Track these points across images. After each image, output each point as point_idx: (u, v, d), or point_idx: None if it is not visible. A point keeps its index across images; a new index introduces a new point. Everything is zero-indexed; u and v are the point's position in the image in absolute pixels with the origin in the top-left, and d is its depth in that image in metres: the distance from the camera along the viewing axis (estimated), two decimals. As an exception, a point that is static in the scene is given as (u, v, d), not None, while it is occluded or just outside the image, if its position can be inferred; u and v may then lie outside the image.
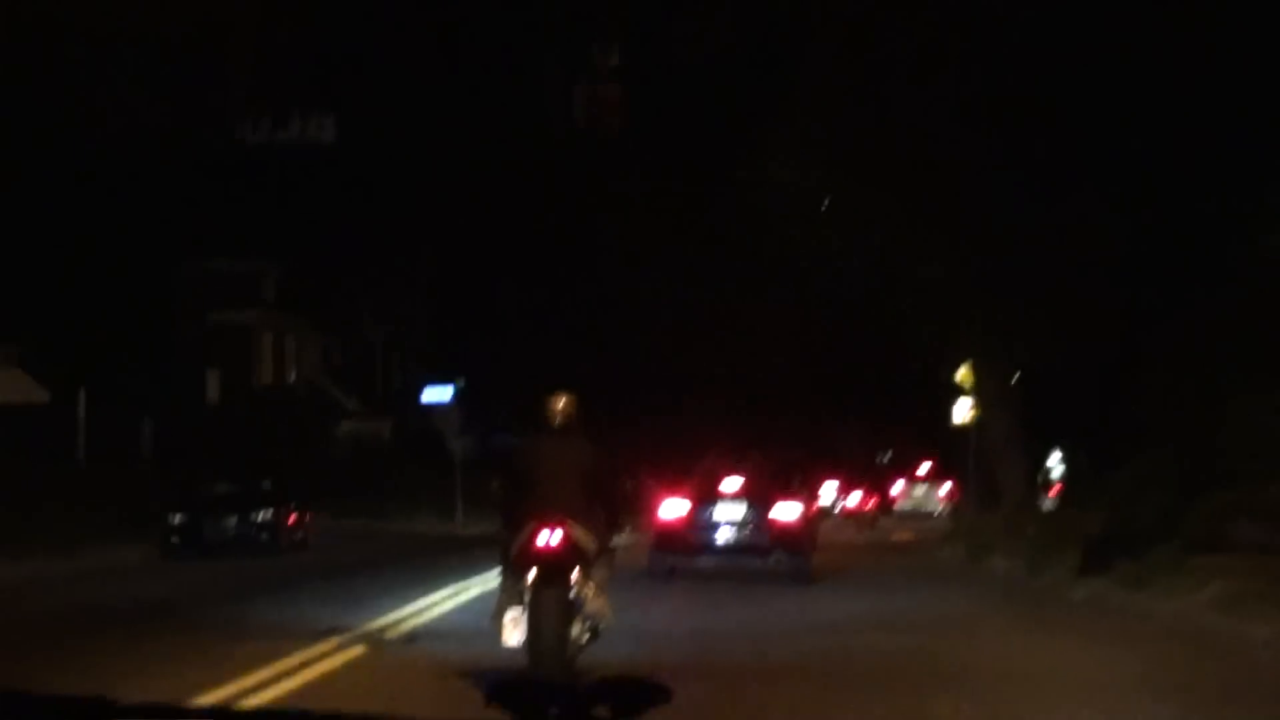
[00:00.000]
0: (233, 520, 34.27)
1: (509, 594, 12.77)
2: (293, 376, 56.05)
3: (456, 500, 48.76)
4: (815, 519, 29.69)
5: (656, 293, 50.69)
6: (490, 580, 18.31)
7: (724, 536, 26.05)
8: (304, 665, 14.18)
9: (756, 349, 50.66)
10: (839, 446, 73.96)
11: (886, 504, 66.65)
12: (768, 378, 57.70)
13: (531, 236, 57.56)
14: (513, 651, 12.57)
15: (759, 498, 26.21)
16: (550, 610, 12.48)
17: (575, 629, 12.76)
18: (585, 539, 12.74)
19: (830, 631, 17.97)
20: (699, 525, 25.96)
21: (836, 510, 65.17)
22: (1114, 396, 31.53)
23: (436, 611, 19.67)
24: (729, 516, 26.11)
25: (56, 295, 44.80)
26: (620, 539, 16.00)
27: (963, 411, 38.54)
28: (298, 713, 2.64)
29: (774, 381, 58.05)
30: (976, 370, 36.65)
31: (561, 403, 13.22)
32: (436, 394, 50.50)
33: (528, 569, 12.59)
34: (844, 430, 76.32)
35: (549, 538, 12.55)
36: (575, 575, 12.70)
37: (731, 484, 26.61)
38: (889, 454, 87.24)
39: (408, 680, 13.15)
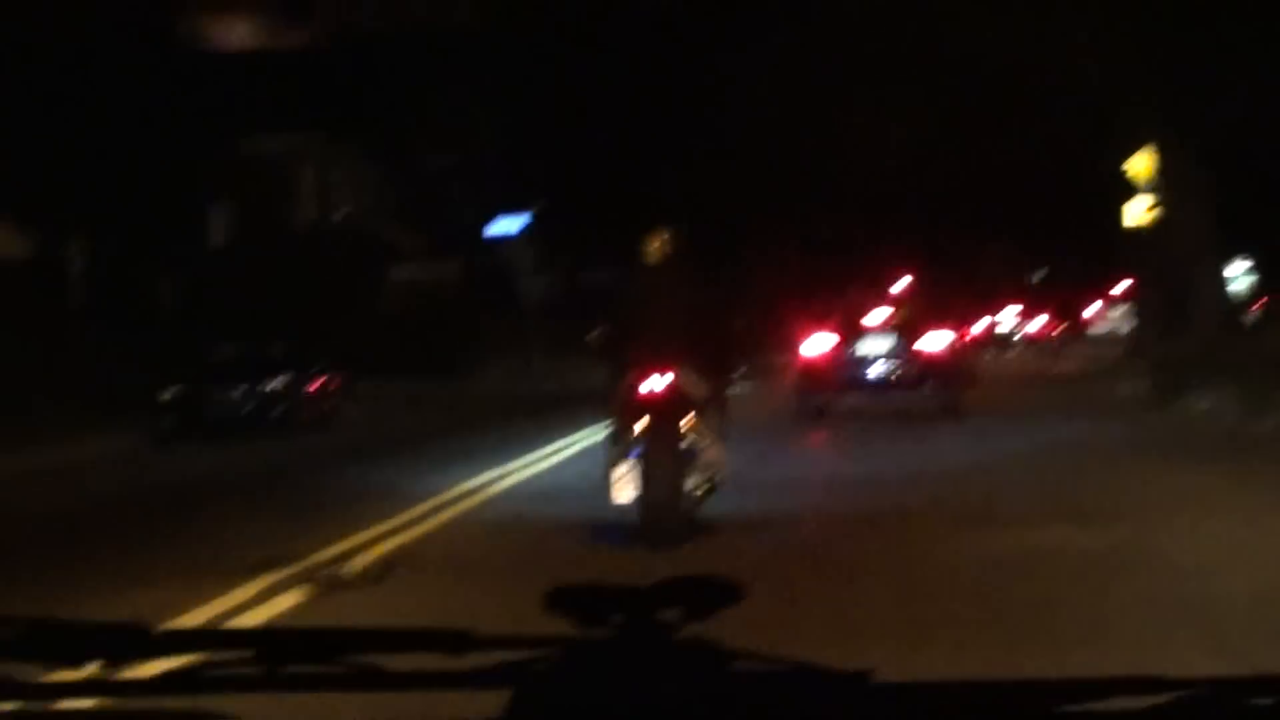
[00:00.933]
0: (239, 393, 28.70)
1: (618, 449, 12.57)
2: (340, 214, 50.31)
3: (531, 352, 43.28)
4: (968, 349, 29.69)
5: (762, 100, 44.43)
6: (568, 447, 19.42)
7: (872, 371, 25.97)
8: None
9: (880, 157, 44.42)
10: (981, 267, 68.04)
11: (1077, 328, 63.21)
12: (892, 192, 51.67)
13: (615, 43, 51.55)
14: (625, 508, 12.43)
15: (906, 329, 26.12)
16: (662, 463, 12.29)
17: (690, 481, 12.55)
18: (694, 384, 12.54)
19: (959, 479, 16.76)
20: (845, 361, 25.83)
21: (1017, 337, 63.06)
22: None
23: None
24: (876, 350, 25.99)
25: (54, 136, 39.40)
26: (736, 385, 15.15)
27: (1138, 211, 31.98)
28: (328, 630, 2.31)
29: (901, 195, 51.92)
30: (1158, 154, 30.17)
31: (662, 237, 12.89)
32: (505, 225, 44.67)
33: (635, 419, 12.41)
34: (986, 249, 69.84)
35: (655, 384, 12.38)
36: (687, 423, 12.49)
37: (877, 316, 26.55)
38: (1042, 272, 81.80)
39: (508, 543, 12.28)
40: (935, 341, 26.19)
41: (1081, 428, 23.23)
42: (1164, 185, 29.99)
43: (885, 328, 26.48)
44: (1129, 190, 32.59)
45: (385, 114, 52.58)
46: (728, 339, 14.29)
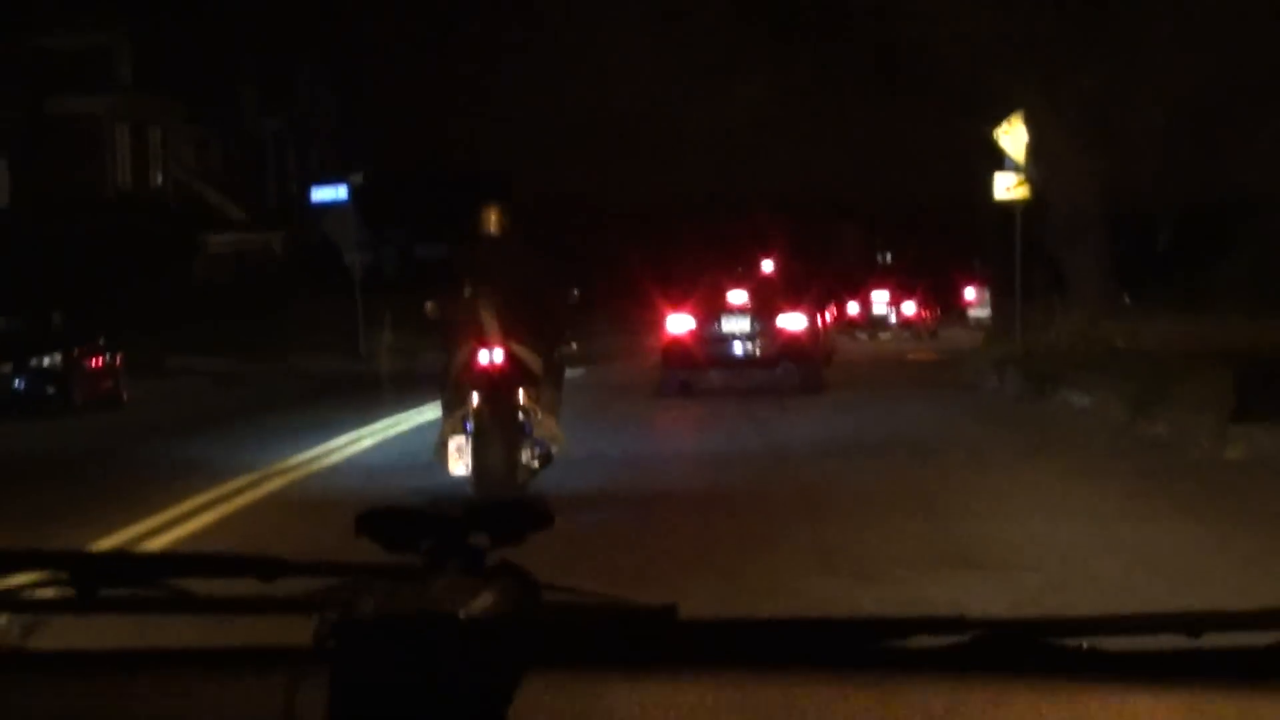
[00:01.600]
0: (4, 370, 25.75)
1: (451, 422, 12.55)
2: (159, 179, 46.88)
3: (357, 328, 40.26)
4: (825, 330, 30.37)
5: (600, 61, 41.51)
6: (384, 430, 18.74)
7: (731, 349, 26.59)
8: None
9: (727, 123, 41.64)
10: (835, 248, 65.98)
11: (953, 310, 62.06)
12: (741, 163, 48.98)
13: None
14: (457, 481, 12.40)
15: (764, 310, 26.71)
16: (496, 436, 12.24)
17: (524, 454, 12.54)
18: (530, 357, 12.54)
19: (797, 461, 16.24)
20: (707, 339, 26.42)
21: (891, 320, 62.05)
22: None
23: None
24: (735, 329, 26.60)
25: None
26: (567, 361, 14.81)
27: (1007, 184, 29.31)
28: (143, 555, 3.37)
29: (750, 167, 49.22)
30: (1033, 121, 27.40)
31: (495, 211, 12.95)
32: (328, 194, 41.61)
33: (469, 393, 12.39)
34: (837, 228, 67.68)
35: (489, 357, 12.37)
36: (522, 396, 12.53)
37: (737, 296, 27.16)
38: (887, 255, 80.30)
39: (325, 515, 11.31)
40: (792, 321, 26.76)
41: (943, 417, 21.46)
42: (1036, 155, 27.33)
43: (744, 307, 26.98)
44: (995, 162, 30.05)
45: (212, 72, 49.31)
46: (562, 313, 13.82)
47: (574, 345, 19.46)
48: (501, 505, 2.16)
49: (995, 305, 38.77)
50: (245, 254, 48.50)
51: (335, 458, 17.04)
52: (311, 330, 41.00)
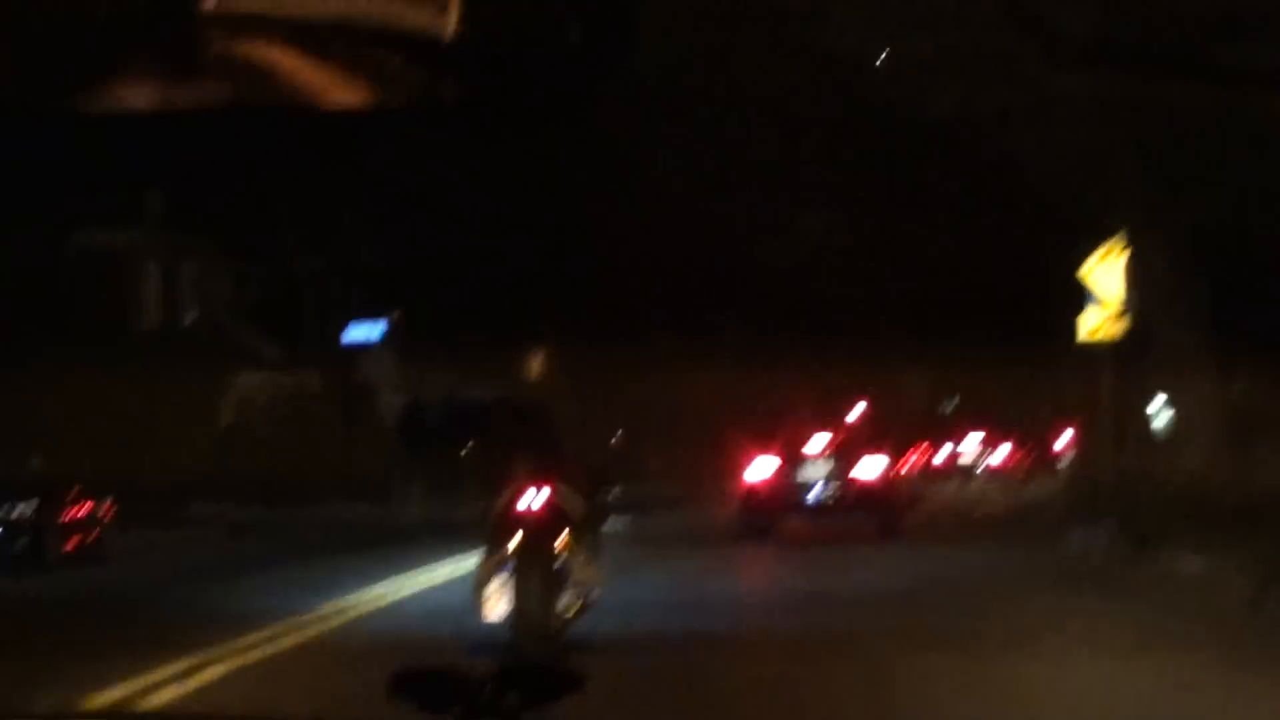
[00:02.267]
0: (-27, 521, 23.05)
1: (489, 564, 12.51)
2: (191, 317, 44.42)
3: (391, 475, 37.63)
4: (903, 478, 31.47)
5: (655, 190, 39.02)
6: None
7: (811, 495, 27.17)
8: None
9: (792, 259, 39.10)
10: (902, 390, 63.20)
11: (1047, 459, 57.57)
12: (805, 300, 46.37)
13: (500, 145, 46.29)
14: (495, 627, 12.22)
15: (844, 456, 27.32)
16: (534, 579, 12.23)
17: (563, 600, 12.47)
18: (571, 499, 12.54)
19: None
20: (786, 485, 27.02)
21: (980, 469, 60.89)
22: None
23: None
24: (815, 475, 27.20)
25: None
26: (612, 520, 15.24)
27: (1089, 325, 26.44)
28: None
29: (815, 305, 46.58)
30: (1135, 247, 24.37)
31: (540, 356, 12.96)
32: (362, 333, 39.04)
33: (508, 536, 12.38)
34: (905, 374, 64.72)
35: (530, 500, 12.37)
36: (561, 541, 12.49)
37: (817, 443, 27.79)
38: (954, 401, 77.18)
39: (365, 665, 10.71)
40: (870, 468, 27.35)
41: (1017, 579, 19.14)
42: (1138, 286, 24.40)
43: (825, 454, 27.48)
44: (1079, 299, 27.22)
45: (249, 208, 46.97)
46: (607, 458, 14.63)
47: (618, 489, 17.66)
48: (533, 668, 2.19)
49: (1080, 453, 35.70)
50: (280, 396, 45.93)
51: (339, 620, 15.71)
52: (345, 477, 38.34)
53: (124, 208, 42.35)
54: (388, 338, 38.01)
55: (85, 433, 34.02)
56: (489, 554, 12.58)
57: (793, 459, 27.45)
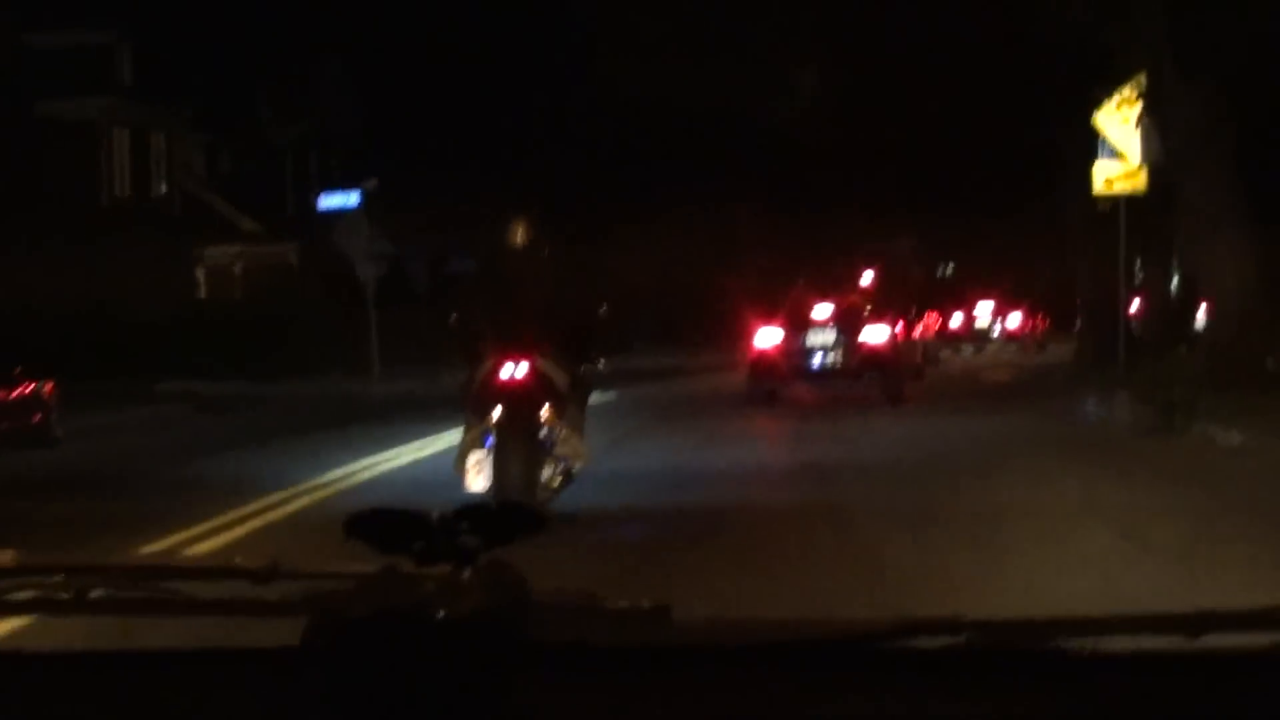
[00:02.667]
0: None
1: (472, 436, 12.24)
2: (163, 187, 42.61)
3: (371, 347, 36.01)
4: (914, 342, 32.81)
5: (646, 51, 37.42)
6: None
7: (816, 361, 27.86)
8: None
9: (790, 114, 37.56)
10: (888, 256, 61.56)
11: (1063, 324, 56.16)
12: (804, 160, 44.74)
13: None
14: (477, 498, 11.27)
15: (848, 322, 27.94)
16: (517, 451, 11.98)
17: (546, 472, 12.30)
18: (554, 371, 12.29)
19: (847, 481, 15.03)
20: (793, 351, 27.72)
21: (995, 333, 61.35)
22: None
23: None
24: (820, 342, 27.87)
25: None
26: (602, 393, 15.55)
27: (1106, 174, 24.65)
28: (162, 565, 2.91)
29: (814, 165, 44.97)
30: (1156, 91, 22.51)
31: (522, 223, 12.69)
32: (338, 200, 37.34)
33: (491, 407, 12.09)
34: (895, 238, 62.97)
35: (513, 371, 12.14)
36: (545, 412, 12.24)
37: (822, 311, 28.30)
38: (949, 266, 75.85)
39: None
40: (876, 334, 27.87)
41: (1039, 451, 17.31)
42: (1160, 133, 22.57)
43: (830, 320, 28.00)
44: (1087, 152, 25.58)
45: (224, 75, 45.17)
46: (591, 325, 13.22)
47: (603, 363, 15.64)
48: (492, 508, 2.12)
49: (1086, 319, 34.20)
50: (257, 268, 44.32)
51: (315, 495, 14.69)
52: (325, 350, 36.77)
53: (92, 74, 40.48)
54: (364, 206, 36.21)
55: (42, 309, 32.39)
56: (470, 426, 12.29)
57: (798, 326, 28.00)
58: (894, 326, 29.14)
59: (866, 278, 35.85)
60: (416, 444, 19.52)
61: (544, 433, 12.24)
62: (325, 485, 15.52)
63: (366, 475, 16.57)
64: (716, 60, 33.52)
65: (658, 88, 36.10)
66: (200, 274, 42.11)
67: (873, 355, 27.67)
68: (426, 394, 31.78)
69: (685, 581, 9.14)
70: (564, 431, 12.36)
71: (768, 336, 28.08)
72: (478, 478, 12.07)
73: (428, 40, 47.61)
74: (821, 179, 47.09)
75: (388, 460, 18.01)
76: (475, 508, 2.08)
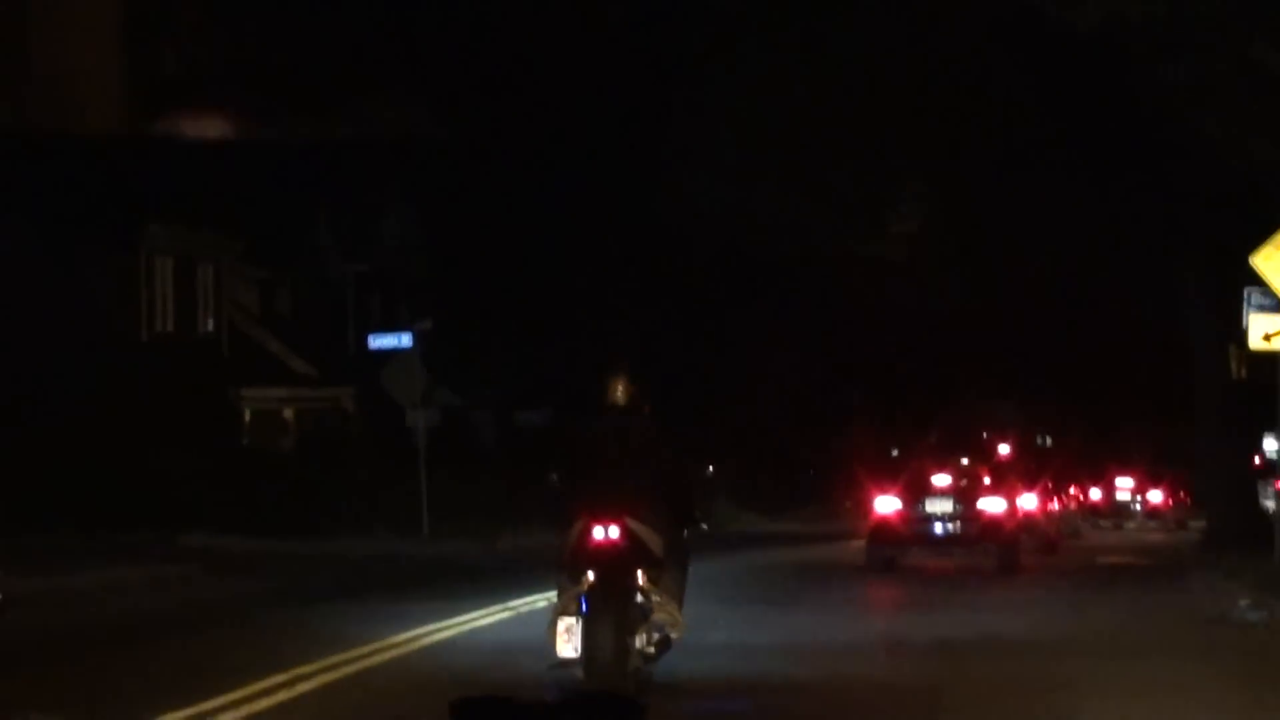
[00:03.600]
0: None
1: (564, 601, 11.95)
2: (210, 324, 39.40)
3: (421, 503, 32.50)
4: (1043, 514, 34.45)
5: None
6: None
7: (935, 529, 28.30)
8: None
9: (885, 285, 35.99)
10: (989, 422, 58.37)
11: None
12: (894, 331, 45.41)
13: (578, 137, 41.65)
14: (567, 666, 11.67)
15: (966, 493, 28.64)
16: (608, 617, 11.60)
17: (640, 640, 11.95)
18: (650, 535, 11.97)
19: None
20: (912, 519, 28.17)
21: (1136, 509, 61.23)
22: None
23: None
24: (939, 510, 28.35)
25: None
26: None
27: (1267, 328, 21.06)
28: None
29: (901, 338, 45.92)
30: None
31: (622, 379, 12.48)
32: (389, 341, 34.01)
33: (584, 570, 11.85)
34: (994, 403, 60.30)
35: (604, 533, 11.87)
36: (640, 577, 11.99)
37: (941, 480, 28.89)
38: (1046, 438, 73.51)
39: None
40: (993, 504, 28.32)
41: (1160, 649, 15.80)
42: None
43: (947, 490, 28.49)
44: (1227, 304, 22.24)
45: (284, 209, 42.12)
46: (688, 489, 12.91)
47: (705, 526, 14.93)
48: (593, 697, 2.27)
49: (1216, 495, 31.38)
50: (309, 414, 40.99)
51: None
52: (372, 506, 33.31)
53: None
54: (416, 348, 32.84)
55: (62, 451, 29.27)
56: (563, 589, 11.97)
57: (917, 493, 28.51)
58: (1014, 497, 29.63)
59: (988, 448, 36.86)
60: (438, 624, 16.63)
61: (639, 599, 11.93)
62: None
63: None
64: (808, 203, 30.88)
65: (740, 230, 33.22)
66: (246, 418, 38.72)
67: (990, 525, 28.02)
68: (478, 559, 28.46)
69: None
70: (660, 597, 12.05)
71: (887, 503, 28.40)
72: (567, 645, 11.64)
73: (500, 179, 44.47)
74: (927, 347, 45.08)
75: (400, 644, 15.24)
76: (579, 698, 2.35)
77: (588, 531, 11.82)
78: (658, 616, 12.06)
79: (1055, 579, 26.76)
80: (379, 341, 34.17)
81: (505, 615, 17.73)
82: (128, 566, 24.65)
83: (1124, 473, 62.12)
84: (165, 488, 32.12)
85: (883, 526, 28.17)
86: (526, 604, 18.21)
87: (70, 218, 35.53)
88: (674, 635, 12.22)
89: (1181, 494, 60.53)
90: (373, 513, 33.11)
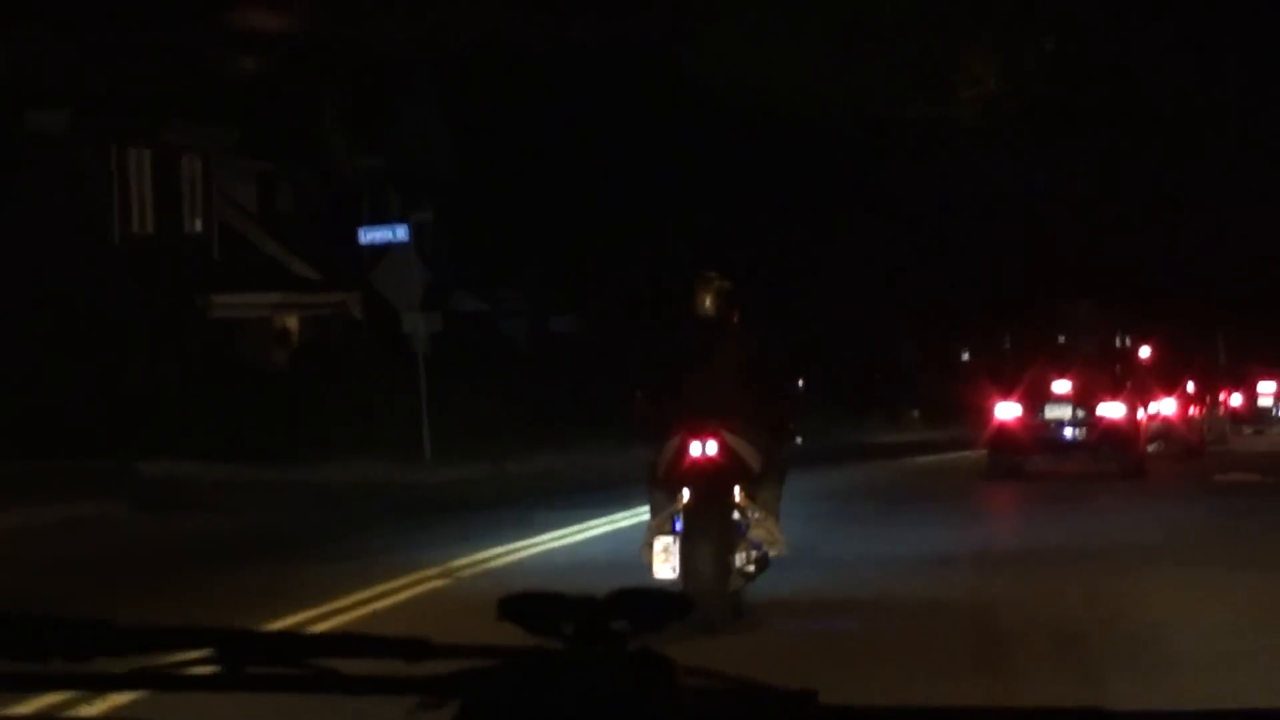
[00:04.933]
0: None
1: (659, 520, 11.82)
2: (198, 224, 34.70)
3: (422, 424, 27.95)
4: (1185, 420, 34.93)
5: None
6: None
7: (1055, 435, 28.34)
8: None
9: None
10: (1067, 327, 58.86)
11: None
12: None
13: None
14: (666, 585, 10.93)
15: (1086, 398, 28.34)
16: (707, 536, 11.40)
17: (739, 558, 11.79)
18: (747, 450, 11.77)
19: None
20: (1032, 425, 28.04)
21: (1277, 413, 59.44)
22: None
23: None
24: (1058, 416, 28.36)
25: None
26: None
27: None
28: (289, 634, 3.05)
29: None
30: None
31: (713, 288, 12.17)
32: (380, 236, 29.26)
33: (679, 488, 11.67)
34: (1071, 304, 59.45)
35: (703, 449, 11.62)
36: (737, 494, 11.85)
37: (1060, 385, 28.72)
38: (1127, 338, 70.77)
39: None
40: (1113, 410, 27.97)
41: None
42: None
43: (1067, 396, 28.23)
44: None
45: (290, 99, 37.50)
46: (786, 402, 13.29)
47: (799, 439, 14.06)
48: (643, 592, 2.16)
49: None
50: (311, 322, 36.47)
51: None
52: (373, 426, 28.88)
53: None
54: (413, 242, 28.18)
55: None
56: (657, 508, 11.74)
57: (1037, 400, 28.31)
58: (1142, 402, 29.55)
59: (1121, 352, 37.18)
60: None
61: (736, 515, 11.81)
62: None
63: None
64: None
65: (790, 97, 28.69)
66: (232, 328, 34.15)
67: (1111, 430, 27.89)
68: (482, 488, 24.26)
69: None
70: (758, 514, 11.94)
71: (1007, 410, 28.30)
72: (664, 565, 11.46)
73: (530, 69, 39.75)
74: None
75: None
76: (625, 593, 2.11)
77: (684, 447, 11.56)
78: (755, 534, 11.90)
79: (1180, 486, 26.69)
80: (370, 235, 29.48)
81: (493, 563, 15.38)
82: (58, 503, 20.38)
83: (1267, 376, 60.50)
84: (131, 408, 27.78)
85: (1003, 434, 28.14)
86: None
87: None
88: (773, 553, 12.09)
89: None
90: (372, 434, 28.57)
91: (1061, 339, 57.32)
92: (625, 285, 40.83)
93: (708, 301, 12.02)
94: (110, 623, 2.24)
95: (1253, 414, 58.74)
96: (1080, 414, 28.16)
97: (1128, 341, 71.77)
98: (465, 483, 26.02)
